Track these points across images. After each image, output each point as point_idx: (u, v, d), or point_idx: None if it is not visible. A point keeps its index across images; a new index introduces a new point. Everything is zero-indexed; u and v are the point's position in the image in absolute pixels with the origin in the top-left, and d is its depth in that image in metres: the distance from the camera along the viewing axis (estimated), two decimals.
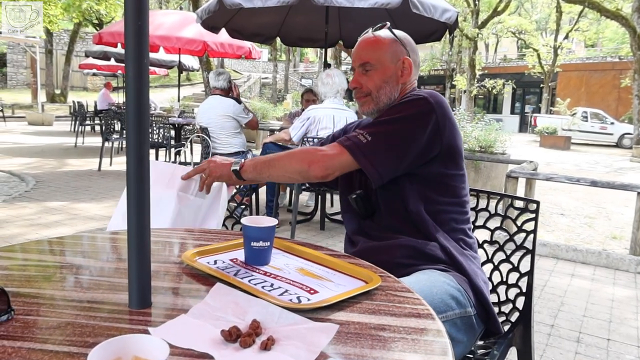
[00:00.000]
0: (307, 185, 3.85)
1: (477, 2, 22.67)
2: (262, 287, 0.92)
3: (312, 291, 0.91)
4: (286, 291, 0.91)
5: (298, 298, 0.88)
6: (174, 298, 0.88)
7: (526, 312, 1.48)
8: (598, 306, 3.04)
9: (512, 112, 31.13)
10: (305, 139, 3.78)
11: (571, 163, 12.62)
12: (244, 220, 1.05)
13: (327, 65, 5.51)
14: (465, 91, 24.42)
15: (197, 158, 7.55)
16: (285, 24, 5.76)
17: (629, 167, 12.40)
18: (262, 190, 4.49)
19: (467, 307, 1.18)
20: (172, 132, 7.41)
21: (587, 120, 21.26)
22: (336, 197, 5.54)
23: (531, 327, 1.47)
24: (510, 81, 28.07)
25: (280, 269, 1.03)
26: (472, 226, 1.41)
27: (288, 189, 5.14)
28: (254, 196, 4.50)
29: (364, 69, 1.35)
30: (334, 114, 3.84)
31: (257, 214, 4.49)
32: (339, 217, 4.79)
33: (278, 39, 6.22)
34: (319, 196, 4.48)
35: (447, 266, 1.23)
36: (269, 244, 1.05)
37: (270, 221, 1.06)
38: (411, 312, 0.85)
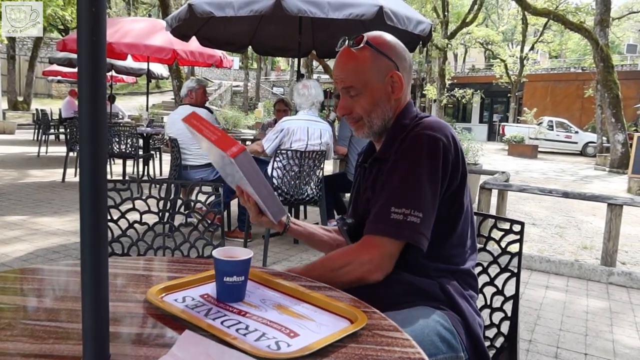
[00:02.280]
0: (280, 198, 3.76)
1: (446, 14, 23.09)
2: (237, 330, 0.83)
3: (292, 334, 0.83)
4: (263, 334, 0.82)
5: (277, 344, 0.79)
6: (136, 348, 0.78)
7: (512, 338, 1.43)
8: (574, 319, 3.04)
9: (481, 121, 31.77)
10: (278, 151, 3.69)
11: (539, 171, 12.89)
12: (215, 253, 0.95)
13: (300, 75, 5.44)
14: (435, 100, 24.78)
15: (166, 169, 7.34)
16: (258, 33, 5.67)
17: (593, 175, 12.74)
18: (234, 203, 4.37)
19: (460, 351, 1.09)
20: (141, 142, 7.22)
21: (552, 129, 21.86)
22: (310, 209, 5.45)
23: (517, 353, 1.42)
24: (478, 91, 28.65)
25: (257, 306, 0.94)
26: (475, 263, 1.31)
27: None
28: (225, 210, 4.37)
29: (349, 94, 1.23)
30: (308, 125, 3.77)
31: (229, 228, 4.37)
32: None
33: (250, 48, 6.13)
34: (293, 208, 4.39)
35: (444, 305, 1.15)
36: (243, 278, 0.95)
37: (245, 253, 0.98)
38: (402, 358, 0.78)
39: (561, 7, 18.01)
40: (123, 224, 1.71)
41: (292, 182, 3.76)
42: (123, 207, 1.70)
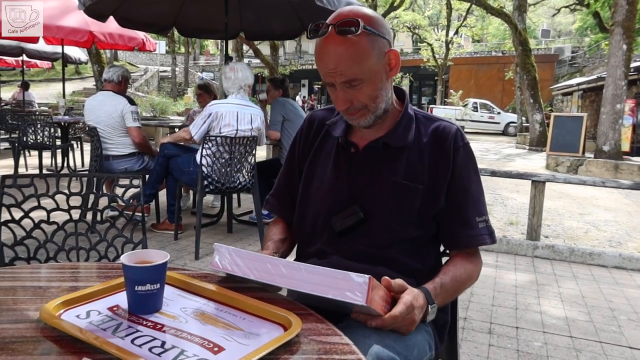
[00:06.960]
0: (210, 187, 3.59)
1: None
2: (150, 349, 0.71)
3: (216, 348, 0.72)
4: (182, 352, 0.71)
5: None
6: None
7: (452, 324, 1.40)
8: (504, 294, 3.14)
9: (410, 104, 32.63)
10: (207, 137, 3.50)
11: None
12: (123, 258, 0.82)
13: (228, 59, 5.23)
14: None
15: (89, 159, 6.88)
16: (182, 14, 5.37)
17: (515, 154, 13.43)
18: (162, 193, 4.14)
19: (433, 349, 1.14)
20: (59, 131, 6.71)
21: (477, 111, 22.86)
22: (244, 197, 5.29)
23: (457, 339, 1.39)
24: (407, 74, 29.30)
25: (176, 316, 0.82)
26: None
27: (191, 190, 4.81)
28: (153, 201, 4.13)
29: (350, 85, 1.09)
30: (238, 110, 3.60)
31: (158, 220, 4.14)
32: (246, 217, 4.57)
33: (175, 30, 5.81)
34: (225, 197, 4.22)
35: None
36: (158, 285, 0.83)
37: (161, 256, 0.85)
38: None
39: None
40: (28, 224, 1.52)
41: (223, 170, 3.59)
42: (27, 205, 1.50)
